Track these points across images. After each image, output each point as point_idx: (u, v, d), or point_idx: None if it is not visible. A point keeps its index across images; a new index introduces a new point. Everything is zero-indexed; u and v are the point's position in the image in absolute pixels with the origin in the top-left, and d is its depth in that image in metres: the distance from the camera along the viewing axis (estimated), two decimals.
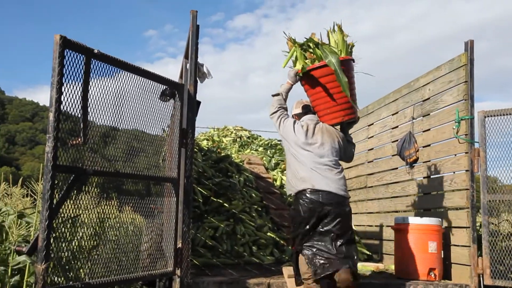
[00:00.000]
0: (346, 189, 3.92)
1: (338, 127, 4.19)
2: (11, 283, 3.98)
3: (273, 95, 4.19)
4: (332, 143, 3.97)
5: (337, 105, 4.02)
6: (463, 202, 4.62)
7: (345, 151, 4.14)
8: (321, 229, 3.77)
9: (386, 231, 6.03)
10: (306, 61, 4.06)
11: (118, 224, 3.69)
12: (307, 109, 4.21)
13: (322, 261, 3.70)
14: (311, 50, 4.05)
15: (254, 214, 6.51)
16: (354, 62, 4.12)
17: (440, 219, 4.77)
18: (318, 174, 3.83)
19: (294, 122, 4.05)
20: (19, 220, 4.40)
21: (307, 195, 3.80)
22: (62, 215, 3.06)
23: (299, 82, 4.17)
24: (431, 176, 5.18)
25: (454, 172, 4.81)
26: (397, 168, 5.88)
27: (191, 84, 4.04)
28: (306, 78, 4.08)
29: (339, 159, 4.02)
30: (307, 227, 3.79)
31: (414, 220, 4.77)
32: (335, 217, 3.77)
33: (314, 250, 3.76)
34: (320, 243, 3.76)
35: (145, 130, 3.78)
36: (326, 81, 3.97)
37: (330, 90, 3.99)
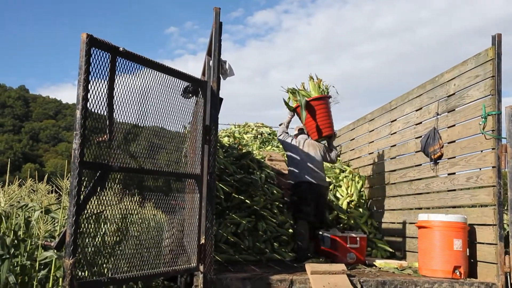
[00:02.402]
0: (325, 179, 6.24)
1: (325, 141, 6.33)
2: (39, 277, 4.05)
3: (280, 125, 6.43)
4: (316, 152, 6.07)
5: (315, 127, 6.06)
6: (490, 199, 4.54)
7: (326, 158, 6.19)
8: (309, 202, 5.84)
9: (409, 228, 5.96)
10: (294, 101, 6.19)
11: (140, 220, 3.73)
12: (300, 131, 6.37)
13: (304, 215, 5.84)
14: (296, 95, 6.16)
15: (275, 211, 6.51)
16: (329, 97, 6.21)
17: (465, 216, 4.70)
18: (307, 172, 5.93)
19: (292, 139, 6.20)
20: (45, 215, 4.49)
21: (301, 186, 5.90)
22: (88, 211, 3.10)
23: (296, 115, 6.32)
24: (456, 173, 5.10)
25: (480, 169, 4.72)
26: (420, 165, 5.80)
27: (214, 81, 4.04)
28: (296, 112, 6.26)
29: (322, 161, 6.10)
30: (301, 203, 5.85)
31: (438, 217, 4.70)
32: (317, 196, 5.92)
33: (305, 210, 5.84)
34: (308, 207, 5.83)
35: (168, 127, 3.80)
36: (306, 113, 6.04)
37: (309, 119, 6.06)
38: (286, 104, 6.28)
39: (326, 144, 6.26)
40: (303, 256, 5.59)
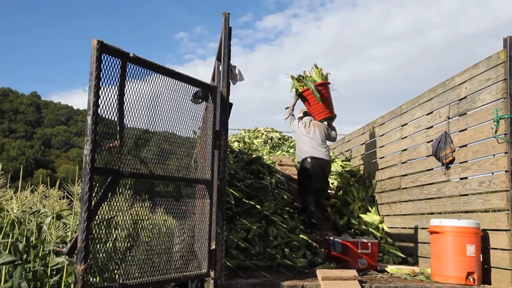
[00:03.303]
0: (329, 155, 7.07)
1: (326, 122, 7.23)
2: (51, 283, 4.07)
3: (286, 108, 7.32)
4: (320, 131, 7.00)
5: (319, 110, 7.02)
6: (503, 204, 4.48)
7: (329, 136, 7.14)
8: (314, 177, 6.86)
9: (421, 234, 5.91)
10: (300, 87, 7.06)
11: (150, 226, 3.73)
12: (305, 114, 7.28)
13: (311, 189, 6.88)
14: (303, 81, 7.01)
15: (286, 216, 6.48)
16: (329, 83, 7.11)
17: (478, 222, 4.64)
18: (313, 148, 6.88)
19: (298, 121, 7.14)
20: (57, 221, 4.51)
21: (308, 160, 6.87)
22: (99, 216, 3.11)
23: (299, 99, 7.22)
24: (469, 177, 5.04)
25: (492, 173, 4.67)
26: (432, 169, 5.75)
27: (224, 86, 4.05)
28: (301, 96, 7.14)
29: (325, 139, 7.04)
30: (307, 177, 6.85)
31: (451, 223, 4.65)
32: (323, 171, 6.94)
33: (311, 184, 6.86)
34: (313, 180, 6.85)
35: (177, 132, 3.81)
36: (311, 97, 6.98)
37: (313, 102, 7.00)
38: (296, 90, 7.09)
39: (327, 125, 7.21)
40: (312, 226, 6.64)
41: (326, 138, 7.04)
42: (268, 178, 7.04)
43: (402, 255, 6.26)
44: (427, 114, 5.95)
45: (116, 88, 3.11)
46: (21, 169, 5.38)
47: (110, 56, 3.02)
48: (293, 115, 7.23)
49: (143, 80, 3.40)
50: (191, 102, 3.96)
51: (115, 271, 3.32)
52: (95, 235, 3.07)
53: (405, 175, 6.45)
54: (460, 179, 5.17)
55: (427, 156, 5.84)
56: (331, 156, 7.74)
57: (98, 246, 3.15)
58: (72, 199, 4.79)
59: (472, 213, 4.95)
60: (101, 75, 2.93)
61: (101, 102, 2.95)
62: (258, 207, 6.35)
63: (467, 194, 5.06)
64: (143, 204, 3.66)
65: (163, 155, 3.67)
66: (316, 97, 6.84)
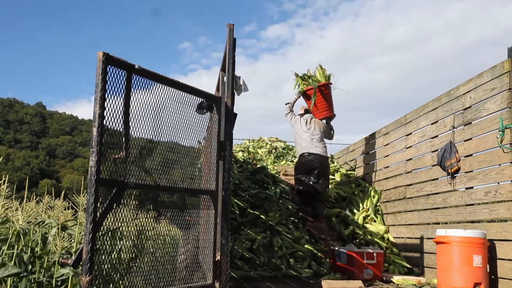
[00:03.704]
0: (327, 152, 7.19)
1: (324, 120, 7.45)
2: None
3: (286, 104, 7.55)
4: (320, 129, 7.21)
5: (320, 108, 7.33)
6: (509, 214, 4.45)
7: (327, 134, 7.37)
8: (312, 171, 6.97)
9: (427, 244, 5.87)
10: (304, 85, 7.35)
11: (155, 236, 3.72)
12: (306, 111, 7.46)
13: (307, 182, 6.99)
14: (308, 80, 7.34)
15: (291, 226, 6.46)
16: (331, 84, 7.38)
17: (484, 232, 4.61)
18: (311, 144, 7.07)
19: (299, 118, 7.31)
20: (62, 232, 4.51)
21: (305, 155, 7.04)
22: (104, 227, 3.10)
23: (301, 97, 7.50)
24: (474, 187, 5.02)
25: (498, 183, 4.65)
26: (437, 179, 5.73)
27: (229, 97, 4.05)
28: (304, 95, 7.42)
29: (323, 137, 7.23)
30: (305, 172, 6.99)
31: (457, 233, 4.62)
32: (320, 166, 6.99)
33: (308, 178, 6.97)
34: (310, 177, 6.95)
35: (182, 142, 3.81)
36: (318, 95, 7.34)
37: (316, 101, 7.29)
38: (302, 88, 7.39)
39: (326, 123, 7.45)
40: (305, 201, 7.06)
41: (324, 135, 7.27)
42: (272, 188, 7.03)
43: (408, 265, 6.22)
44: (432, 124, 5.94)
45: (121, 99, 3.12)
46: (27, 179, 5.40)
47: (116, 68, 3.03)
48: (293, 111, 7.47)
49: (149, 90, 3.41)
50: (196, 112, 3.96)
51: (120, 282, 3.31)
52: (100, 246, 3.06)
53: (410, 184, 6.42)
54: (466, 188, 5.15)
55: (432, 166, 5.82)
56: (330, 156, 8.09)
57: (103, 257, 3.14)
58: (77, 209, 4.79)
59: (478, 223, 4.92)
60: (107, 87, 2.93)
61: (106, 114, 2.95)
62: (263, 217, 6.34)
63: (473, 204, 5.04)
64: (148, 214, 3.66)
65: (167, 164, 3.67)
66: (313, 99, 7.22)
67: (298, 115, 7.42)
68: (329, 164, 7.45)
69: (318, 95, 7.21)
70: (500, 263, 4.55)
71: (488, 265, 4.55)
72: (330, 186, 7.60)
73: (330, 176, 8.24)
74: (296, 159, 7.37)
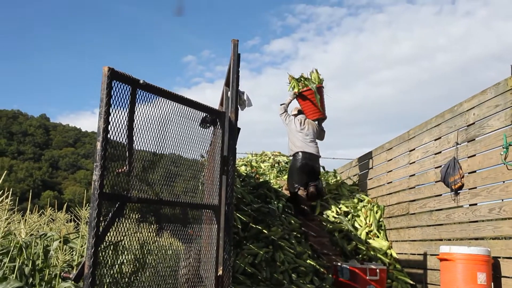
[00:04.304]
0: (318, 151, 7.63)
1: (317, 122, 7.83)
2: None
3: (281, 104, 7.90)
4: (312, 129, 7.63)
5: (313, 109, 7.74)
6: None
7: (319, 134, 7.80)
8: (305, 170, 7.43)
9: (430, 260, 5.83)
10: (298, 87, 7.76)
11: (157, 250, 3.71)
12: (299, 112, 7.87)
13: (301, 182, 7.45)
14: (304, 82, 7.73)
15: (293, 241, 6.43)
16: (323, 88, 7.83)
17: (488, 249, 4.58)
18: (305, 144, 7.48)
19: (293, 118, 7.71)
20: (64, 245, 4.49)
21: (300, 154, 7.47)
22: (106, 241, 3.09)
23: (295, 99, 7.89)
24: (478, 204, 5.00)
25: (502, 200, 4.63)
26: (441, 195, 5.71)
27: (232, 112, 4.06)
28: (299, 96, 7.82)
29: (316, 137, 7.66)
30: (298, 170, 7.44)
31: (461, 250, 4.59)
32: (312, 165, 7.49)
33: (301, 178, 7.45)
34: (303, 173, 7.45)
35: (185, 156, 3.81)
36: (309, 97, 7.72)
37: (310, 102, 7.72)
38: (298, 89, 7.76)
39: (318, 124, 7.84)
40: (300, 211, 7.34)
41: (317, 136, 7.70)
42: (275, 202, 7.01)
43: (411, 282, 6.17)
44: (435, 140, 5.94)
45: (125, 113, 3.13)
46: (30, 192, 5.40)
47: (120, 83, 3.04)
48: (288, 112, 7.87)
49: (153, 104, 3.42)
50: (199, 126, 3.97)
51: None
52: (102, 259, 3.05)
53: (414, 200, 6.40)
54: (470, 205, 5.12)
55: (436, 182, 5.80)
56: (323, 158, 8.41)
57: (105, 270, 3.13)
58: (79, 222, 4.78)
59: (482, 240, 4.89)
60: (111, 101, 2.95)
61: (110, 128, 2.96)
62: (265, 231, 6.31)
63: (477, 221, 5.01)
64: (150, 227, 3.65)
65: (170, 178, 3.67)
66: (316, 98, 7.63)
67: (292, 115, 7.82)
68: (319, 162, 7.90)
69: (312, 96, 7.65)
70: (504, 281, 4.51)
71: (492, 283, 4.51)
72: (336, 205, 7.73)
73: (333, 191, 8.25)
74: (291, 159, 7.81)
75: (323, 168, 9.22)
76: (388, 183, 7.35)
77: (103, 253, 3.08)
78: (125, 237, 3.33)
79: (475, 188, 5.03)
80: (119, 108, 3.06)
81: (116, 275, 3.31)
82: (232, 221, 4.09)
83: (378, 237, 7.13)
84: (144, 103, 3.33)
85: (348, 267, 5.55)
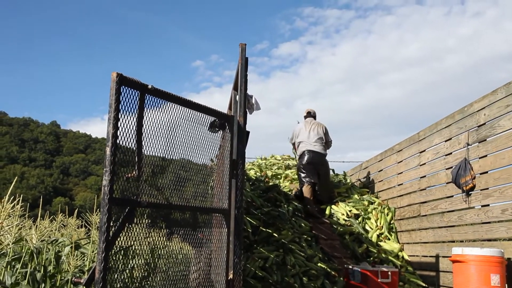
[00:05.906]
0: (325, 150, 7.88)
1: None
2: None
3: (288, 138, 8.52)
4: (319, 130, 7.87)
5: None
6: None
7: (325, 136, 7.95)
8: (313, 169, 7.70)
9: (442, 262, 5.77)
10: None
11: (167, 254, 3.71)
12: (309, 114, 8.22)
13: (308, 179, 7.64)
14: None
15: (304, 244, 6.41)
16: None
17: (502, 250, 4.52)
18: (310, 143, 7.73)
19: (298, 126, 8.15)
20: (75, 251, 4.52)
21: (305, 153, 7.71)
22: (117, 246, 3.10)
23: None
24: (490, 205, 4.94)
25: None
26: (452, 196, 5.66)
27: (241, 116, 4.07)
28: None
29: (322, 137, 7.84)
30: (304, 166, 7.69)
31: (473, 251, 4.54)
32: (319, 163, 7.76)
33: (308, 175, 7.68)
34: (310, 171, 7.69)
35: (194, 160, 3.82)
36: None
37: None
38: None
39: (326, 126, 8.07)
40: (311, 212, 7.33)
41: (323, 138, 7.91)
42: (285, 206, 7.00)
43: (424, 284, 6.11)
44: (446, 141, 5.89)
45: (134, 119, 3.14)
46: (41, 199, 5.45)
47: (129, 88, 3.06)
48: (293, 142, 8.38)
49: (161, 109, 3.44)
50: (208, 131, 3.98)
51: None
52: (113, 264, 3.06)
53: (425, 202, 6.35)
54: (482, 206, 5.07)
55: (447, 183, 5.75)
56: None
57: (116, 275, 3.14)
58: (90, 227, 4.81)
59: (495, 241, 4.83)
60: (120, 107, 2.96)
61: (120, 133, 2.97)
62: (276, 235, 6.29)
63: (489, 222, 4.95)
64: (160, 232, 3.65)
65: (180, 182, 3.67)
66: None
67: (303, 116, 8.28)
68: (327, 162, 8.08)
69: None
70: None
71: (506, 285, 4.46)
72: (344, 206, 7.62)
73: (343, 193, 8.21)
74: (298, 158, 8.06)
75: (333, 171, 9.19)
76: (398, 185, 7.30)
77: (114, 258, 3.09)
78: (135, 242, 3.34)
79: (487, 189, 4.98)
80: (128, 113, 3.08)
81: (126, 280, 3.32)
82: (242, 224, 4.08)
83: (389, 239, 7.08)
84: (152, 108, 3.34)
85: (359, 270, 5.51)
